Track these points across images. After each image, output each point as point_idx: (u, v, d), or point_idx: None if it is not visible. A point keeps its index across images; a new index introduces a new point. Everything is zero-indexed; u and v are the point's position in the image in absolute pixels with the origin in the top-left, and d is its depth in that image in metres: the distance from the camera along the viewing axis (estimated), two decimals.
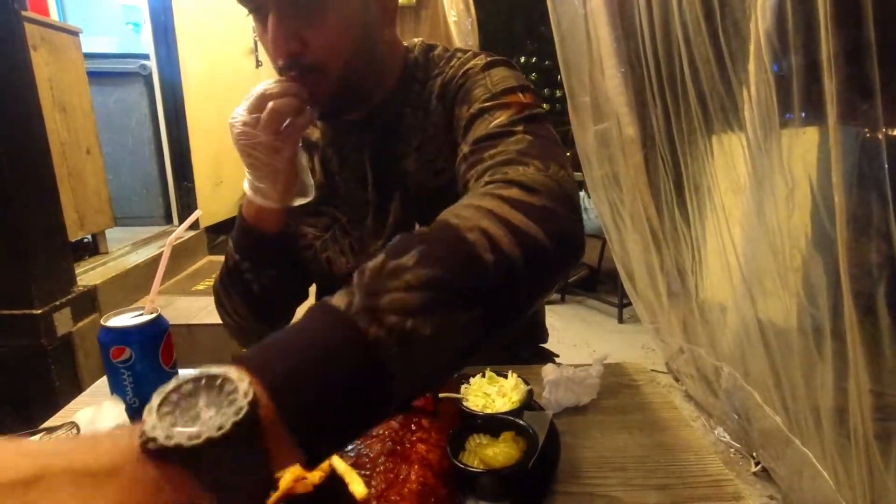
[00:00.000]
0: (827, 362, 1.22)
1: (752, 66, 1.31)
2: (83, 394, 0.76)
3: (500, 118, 0.62)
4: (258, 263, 0.76)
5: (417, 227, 0.55)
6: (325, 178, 0.81)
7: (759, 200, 1.39)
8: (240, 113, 0.65)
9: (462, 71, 0.71)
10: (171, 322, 0.71)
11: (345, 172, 0.80)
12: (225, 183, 3.27)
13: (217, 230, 3.21)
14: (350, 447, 0.55)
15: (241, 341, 0.88)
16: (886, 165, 0.97)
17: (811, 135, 1.22)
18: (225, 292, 0.80)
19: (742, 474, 1.71)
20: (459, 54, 0.75)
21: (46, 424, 0.65)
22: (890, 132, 1.01)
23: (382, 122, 0.75)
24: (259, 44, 3.62)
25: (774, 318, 1.46)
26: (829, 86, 0.98)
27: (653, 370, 2.35)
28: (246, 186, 0.71)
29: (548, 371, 0.71)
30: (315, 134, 0.84)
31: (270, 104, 0.63)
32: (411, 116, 0.75)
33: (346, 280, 0.39)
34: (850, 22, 0.94)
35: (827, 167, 1.06)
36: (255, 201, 0.70)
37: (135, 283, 2.23)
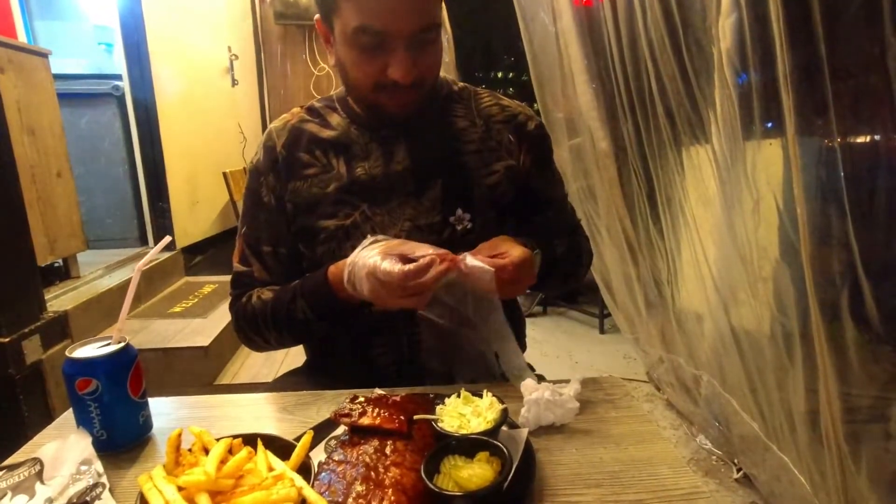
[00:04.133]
0: (798, 368, 1.25)
1: (715, 83, 1.35)
2: (49, 427, 0.74)
3: None
4: (334, 322, 0.84)
5: (460, 212, 0.84)
6: (346, 171, 0.86)
7: (728, 212, 1.43)
8: (389, 264, 0.68)
9: (536, 126, 0.93)
10: (145, 346, 0.71)
11: (369, 162, 0.87)
12: (201, 203, 3.23)
13: (193, 251, 3.16)
14: (323, 474, 0.54)
15: (261, 351, 0.99)
16: (843, 175, 1.01)
17: (775, 148, 1.26)
18: (278, 336, 0.88)
19: (724, 481, 1.73)
20: (494, 97, 0.94)
21: (9, 461, 0.63)
22: (850, 140, 1.06)
23: (428, 122, 0.88)
24: (234, 63, 3.59)
25: (748, 326, 1.49)
26: (787, 101, 1.02)
27: (634, 379, 2.39)
28: (346, 274, 0.74)
29: (528, 387, 0.71)
30: (325, 132, 0.89)
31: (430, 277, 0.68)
32: (462, 121, 0.90)
33: None
34: (803, 40, 0.98)
35: (789, 180, 1.10)
36: (354, 294, 0.75)
37: (108, 308, 2.18)
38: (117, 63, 2.85)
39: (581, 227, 1.02)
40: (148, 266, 0.69)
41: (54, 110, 2.21)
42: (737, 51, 1.22)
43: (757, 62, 1.15)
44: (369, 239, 0.74)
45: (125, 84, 2.79)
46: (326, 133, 0.89)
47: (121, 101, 2.83)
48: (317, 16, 0.85)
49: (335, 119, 0.90)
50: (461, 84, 0.95)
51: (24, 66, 2.02)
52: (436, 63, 0.83)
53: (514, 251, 0.73)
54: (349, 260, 0.74)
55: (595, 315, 3.05)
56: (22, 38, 2.88)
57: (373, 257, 0.69)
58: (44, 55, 2.17)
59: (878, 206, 1.02)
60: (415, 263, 0.67)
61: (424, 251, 0.69)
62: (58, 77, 2.26)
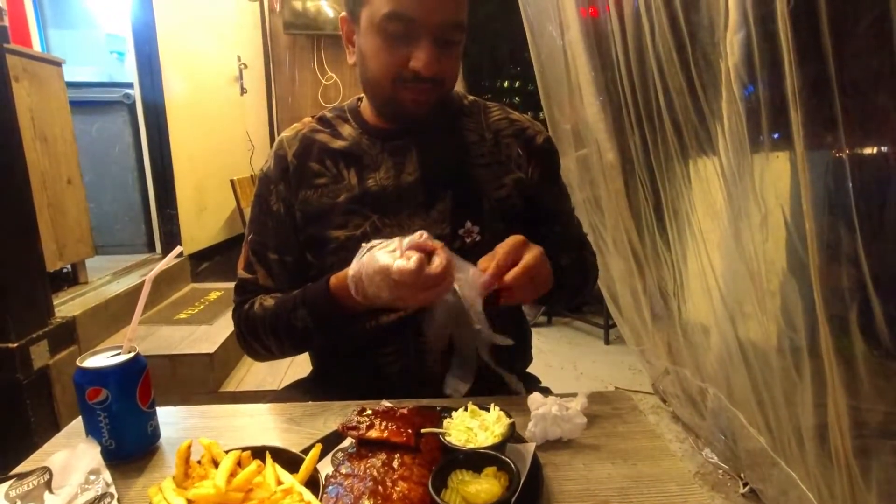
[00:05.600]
0: (806, 382, 1.24)
1: (723, 97, 1.36)
2: (58, 435, 0.74)
3: None
4: (333, 331, 0.84)
5: (469, 224, 0.85)
6: (356, 182, 0.87)
7: (735, 225, 1.43)
8: (399, 261, 0.67)
9: (545, 140, 0.93)
10: (152, 352, 0.71)
11: (380, 174, 0.87)
12: (209, 210, 3.25)
13: (200, 258, 3.18)
14: (330, 487, 0.54)
15: (261, 360, 0.97)
16: (852, 189, 1.01)
17: (782, 162, 1.26)
18: (278, 344, 0.87)
19: (731, 496, 1.71)
20: (504, 111, 0.95)
21: (18, 469, 0.63)
22: (859, 155, 1.06)
23: (439, 135, 0.89)
24: (243, 72, 3.61)
25: (755, 339, 1.48)
26: (796, 117, 1.02)
27: (640, 391, 2.37)
28: (353, 286, 0.73)
29: (534, 401, 0.70)
30: (336, 143, 0.89)
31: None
32: (472, 135, 0.90)
33: None
34: (811, 56, 0.99)
35: (797, 194, 1.10)
36: (365, 304, 0.74)
37: (115, 314, 2.19)
38: (129, 71, 2.89)
39: (588, 242, 1.01)
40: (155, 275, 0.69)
41: (66, 118, 2.24)
42: (745, 65, 1.23)
43: (765, 77, 1.16)
44: (364, 248, 0.73)
45: (136, 92, 2.82)
46: (337, 143, 0.89)
47: (131, 108, 2.86)
48: (342, 14, 0.86)
49: (346, 130, 0.90)
50: (471, 98, 0.95)
51: (38, 74, 2.04)
52: (455, 67, 0.84)
53: (528, 254, 0.72)
54: (351, 272, 0.73)
55: (600, 326, 3.04)
56: (36, 46, 2.93)
57: (382, 259, 0.68)
58: (57, 64, 2.20)
59: (888, 220, 1.02)
60: (414, 259, 0.66)
61: (412, 236, 0.68)
62: (70, 85, 2.29)
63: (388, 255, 0.68)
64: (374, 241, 0.73)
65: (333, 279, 0.80)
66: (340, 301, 0.78)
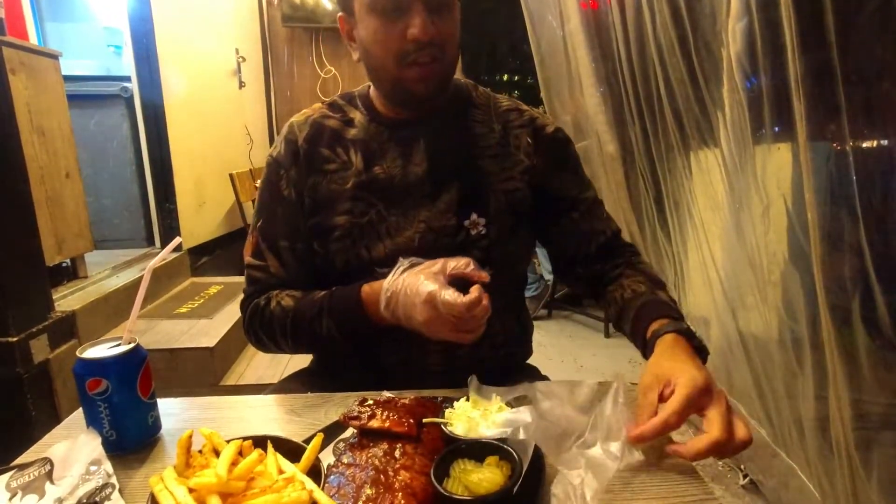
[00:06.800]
0: (807, 374, 1.24)
1: (725, 87, 1.35)
2: (59, 427, 0.74)
3: None
4: (357, 340, 0.84)
5: (475, 216, 0.84)
6: (364, 169, 0.86)
7: (737, 217, 1.43)
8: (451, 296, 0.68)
9: (555, 130, 0.92)
10: (152, 346, 0.70)
11: (387, 162, 0.87)
12: (208, 204, 3.24)
13: (199, 252, 3.18)
14: (332, 476, 0.54)
15: (268, 353, 0.97)
16: (855, 180, 1.00)
17: (784, 152, 1.25)
18: (294, 346, 0.88)
19: (731, 487, 1.71)
20: (514, 102, 0.94)
21: (19, 461, 0.63)
22: (862, 145, 1.05)
23: (447, 125, 0.89)
24: (241, 65, 3.60)
25: (756, 331, 1.48)
26: (798, 106, 1.01)
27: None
28: (384, 301, 0.74)
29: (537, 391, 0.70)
30: (351, 132, 0.89)
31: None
32: (480, 126, 0.90)
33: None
34: (814, 45, 0.98)
35: (800, 184, 1.09)
36: (391, 321, 0.76)
37: (115, 308, 2.19)
38: (126, 65, 2.87)
39: (621, 237, 0.97)
40: (154, 267, 0.69)
41: (64, 111, 2.23)
42: (747, 55, 1.22)
43: (767, 66, 1.15)
44: (404, 263, 0.74)
45: (134, 86, 2.81)
46: (347, 129, 0.89)
47: (129, 102, 2.85)
48: (339, 14, 0.86)
49: (357, 116, 0.90)
50: (481, 89, 0.95)
51: (35, 67, 2.03)
52: (453, 31, 0.83)
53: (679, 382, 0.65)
54: (385, 286, 0.73)
55: (600, 319, 3.04)
56: (33, 39, 2.91)
57: (427, 285, 0.69)
58: (54, 57, 2.18)
59: (891, 210, 1.01)
60: (470, 296, 0.67)
61: (457, 262, 0.71)
62: (67, 78, 2.28)
63: (433, 279, 0.69)
64: (413, 259, 0.74)
65: (367, 289, 0.79)
66: (371, 315, 0.78)
